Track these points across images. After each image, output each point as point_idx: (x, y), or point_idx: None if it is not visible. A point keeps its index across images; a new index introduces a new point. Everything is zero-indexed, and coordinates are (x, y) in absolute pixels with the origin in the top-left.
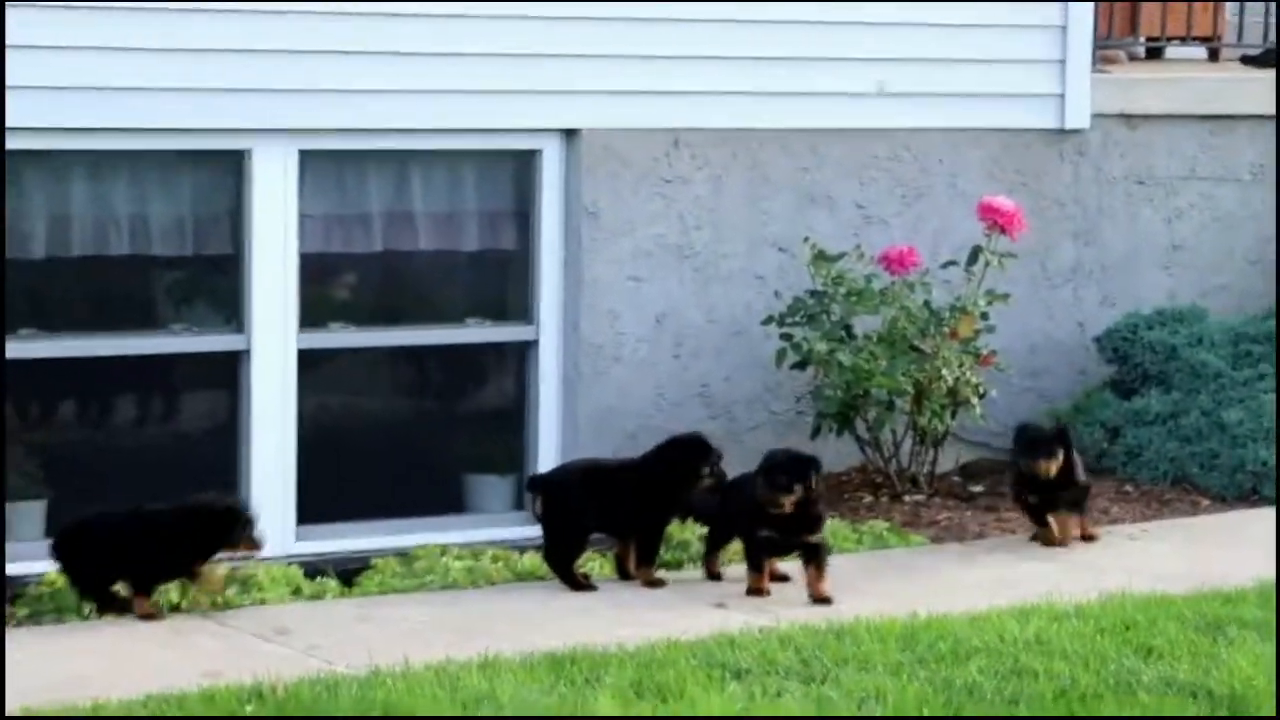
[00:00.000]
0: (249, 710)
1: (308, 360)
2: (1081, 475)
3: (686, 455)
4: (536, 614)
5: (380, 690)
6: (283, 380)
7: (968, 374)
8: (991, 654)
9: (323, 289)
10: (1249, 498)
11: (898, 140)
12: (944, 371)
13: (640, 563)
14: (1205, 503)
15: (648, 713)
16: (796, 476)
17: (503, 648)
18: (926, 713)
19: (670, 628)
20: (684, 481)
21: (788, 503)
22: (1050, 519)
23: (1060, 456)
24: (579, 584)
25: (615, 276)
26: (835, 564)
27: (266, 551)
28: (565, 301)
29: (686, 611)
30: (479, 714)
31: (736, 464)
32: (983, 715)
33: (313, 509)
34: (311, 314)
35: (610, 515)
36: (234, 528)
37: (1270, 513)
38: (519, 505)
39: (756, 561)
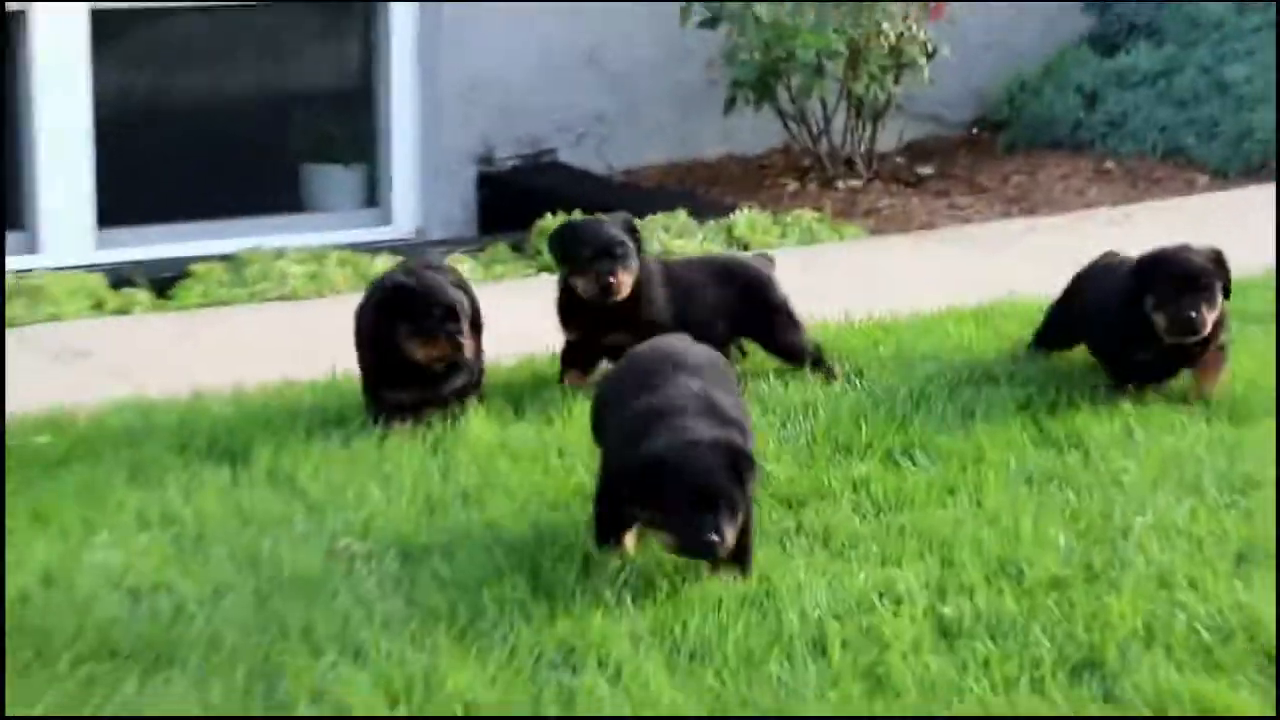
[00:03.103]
0: (43, 440)
1: (104, 22)
2: None
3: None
4: None
5: (205, 418)
6: (73, 48)
7: (914, 28)
8: (943, 362)
9: None
10: (1256, 172)
11: None
12: (884, 25)
13: None
14: (1203, 179)
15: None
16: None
17: (354, 365)
18: (866, 428)
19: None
20: None
21: None
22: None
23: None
24: None
25: None
26: None
27: (60, 259)
28: None
29: None
30: (328, 443)
31: (636, 148)
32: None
33: (116, 208)
34: None
35: None
36: None
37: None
38: (370, 201)
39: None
